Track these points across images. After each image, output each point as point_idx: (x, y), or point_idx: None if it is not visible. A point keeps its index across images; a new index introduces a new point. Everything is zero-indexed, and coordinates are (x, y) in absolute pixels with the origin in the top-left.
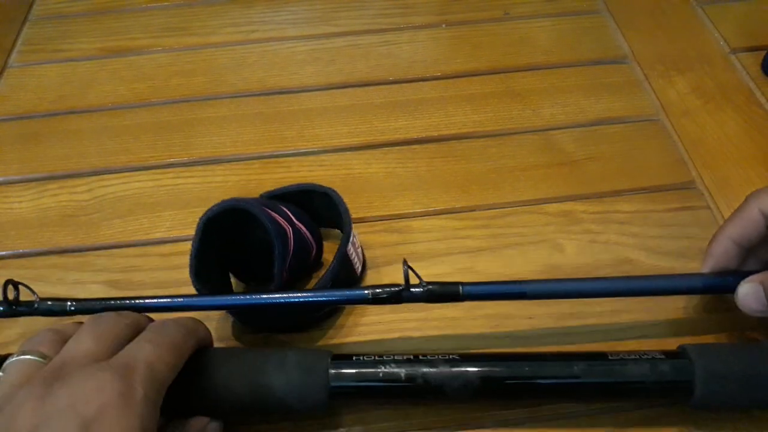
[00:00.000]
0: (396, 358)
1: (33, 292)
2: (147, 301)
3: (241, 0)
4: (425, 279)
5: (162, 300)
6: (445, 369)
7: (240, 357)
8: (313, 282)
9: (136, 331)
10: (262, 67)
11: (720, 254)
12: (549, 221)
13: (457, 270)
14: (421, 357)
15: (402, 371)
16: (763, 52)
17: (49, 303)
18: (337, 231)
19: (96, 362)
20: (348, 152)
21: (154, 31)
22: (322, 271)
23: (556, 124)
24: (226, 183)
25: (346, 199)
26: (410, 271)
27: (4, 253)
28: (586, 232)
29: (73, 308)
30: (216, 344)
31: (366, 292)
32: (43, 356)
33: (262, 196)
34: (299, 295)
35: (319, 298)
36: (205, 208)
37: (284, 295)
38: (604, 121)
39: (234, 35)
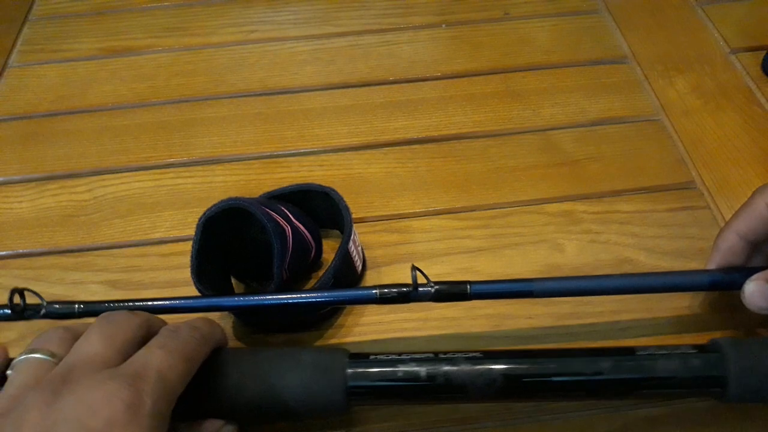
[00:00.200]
0: (415, 356)
1: (39, 297)
2: (153, 302)
3: (241, 0)
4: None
5: (168, 302)
6: (467, 367)
7: (254, 357)
8: (312, 282)
9: (147, 332)
10: (263, 67)
11: (726, 249)
12: (549, 221)
13: (457, 270)
14: (441, 355)
15: (422, 370)
16: (763, 52)
17: (57, 306)
18: (337, 232)
19: (105, 368)
20: (348, 152)
21: (154, 31)
22: (322, 271)
23: (556, 124)
24: (226, 183)
25: (346, 199)
26: (417, 272)
27: (4, 253)
28: (586, 232)
29: (80, 310)
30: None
31: (374, 291)
32: (53, 355)
33: (261, 196)
34: (306, 295)
35: (326, 299)
36: (205, 208)
37: (291, 296)
38: (604, 121)
39: (234, 35)
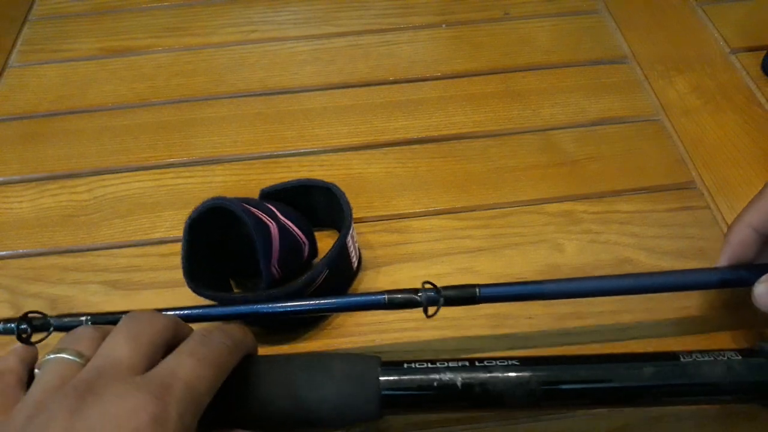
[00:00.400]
0: (450, 365)
1: (44, 315)
2: (165, 314)
3: (242, 0)
4: (426, 279)
5: (180, 312)
6: (504, 375)
7: (283, 366)
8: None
9: (174, 334)
10: (263, 67)
11: (738, 242)
12: (549, 221)
13: (457, 270)
14: (477, 363)
15: (458, 379)
16: (763, 52)
17: (65, 320)
18: (336, 232)
19: (132, 374)
20: (348, 152)
21: (154, 31)
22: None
23: (556, 124)
24: (226, 183)
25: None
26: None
27: (4, 253)
28: (586, 232)
29: (89, 323)
30: None
31: (382, 297)
32: (80, 355)
33: (262, 191)
34: (314, 302)
35: (335, 305)
36: None
37: (300, 303)
38: (604, 121)
39: (234, 35)
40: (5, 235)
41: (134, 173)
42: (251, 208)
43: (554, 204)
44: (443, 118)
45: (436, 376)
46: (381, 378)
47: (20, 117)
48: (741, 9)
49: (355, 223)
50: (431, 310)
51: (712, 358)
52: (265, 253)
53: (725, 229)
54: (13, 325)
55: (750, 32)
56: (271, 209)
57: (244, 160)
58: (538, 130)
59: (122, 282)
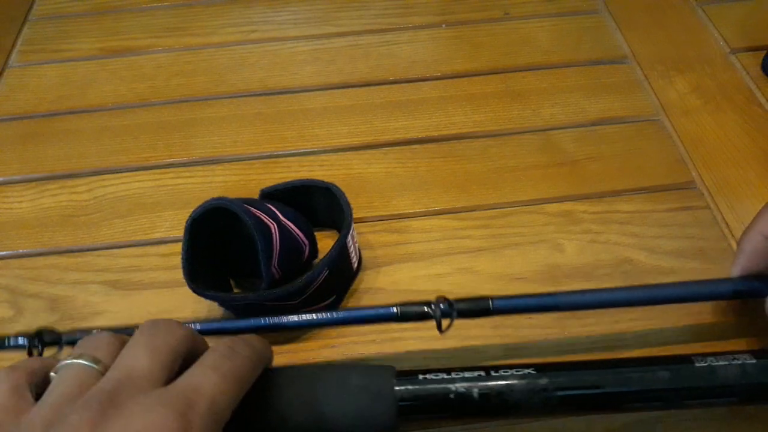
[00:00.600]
0: (466, 375)
1: (56, 331)
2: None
3: (242, 0)
4: (426, 279)
5: (192, 325)
6: (520, 384)
7: (300, 378)
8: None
9: (192, 345)
10: (263, 67)
11: (751, 251)
12: (549, 221)
13: (457, 270)
14: (492, 372)
15: (475, 389)
16: (763, 52)
17: (77, 336)
18: (336, 232)
19: (152, 387)
20: (348, 152)
21: (154, 31)
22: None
23: (556, 124)
24: (226, 183)
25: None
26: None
27: (4, 253)
28: (586, 232)
29: None
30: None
31: (393, 309)
32: (98, 361)
33: (262, 191)
34: (328, 315)
35: (346, 318)
36: None
37: (314, 317)
38: (604, 121)
39: (234, 35)
40: (5, 235)
41: (134, 173)
42: (252, 208)
43: (554, 204)
44: (443, 118)
45: (452, 387)
46: (396, 389)
47: (20, 117)
48: (741, 9)
49: (355, 223)
50: (444, 323)
51: (726, 362)
52: (265, 253)
53: (725, 229)
54: (24, 341)
55: (750, 32)
56: (272, 210)
57: (244, 160)
58: (538, 130)
59: (122, 282)
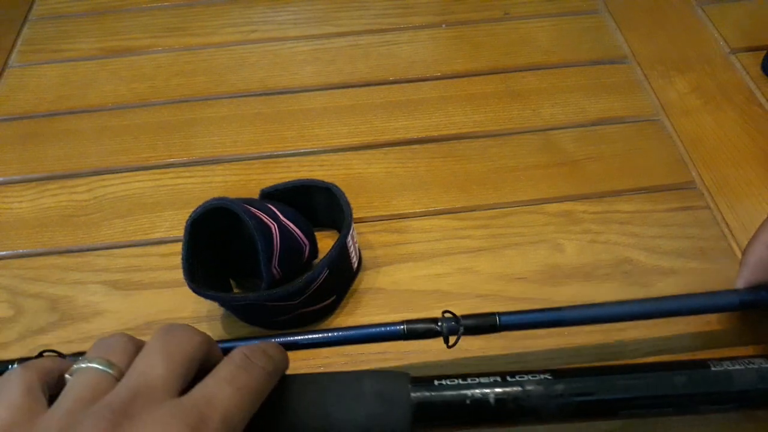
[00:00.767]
0: (481, 380)
1: (61, 355)
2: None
3: (242, 0)
4: (426, 279)
5: None
6: (537, 390)
7: (314, 385)
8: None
9: (207, 352)
10: (263, 67)
11: (755, 263)
12: (549, 221)
13: (457, 270)
14: (509, 378)
15: (491, 395)
16: (763, 52)
17: (80, 359)
18: (336, 232)
19: (167, 396)
20: (348, 152)
21: (154, 31)
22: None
23: (556, 124)
24: (226, 183)
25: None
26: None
27: (4, 253)
28: (586, 232)
29: None
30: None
31: (401, 327)
32: (112, 366)
33: (262, 191)
34: (333, 334)
35: (354, 336)
36: None
37: (322, 335)
38: (604, 121)
39: (234, 35)
40: (5, 235)
41: (134, 173)
42: (252, 208)
43: (554, 204)
44: (443, 118)
45: (468, 393)
46: (412, 395)
47: (20, 117)
48: (741, 9)
49: (355, 223)
50: (451, 339)
51: (742, 366)
52: (266, 253)
53: (725, 229)
54: None
55: (750, 32)
56: (272, 210)
57: (244, 160)
58: (538, 130)
59: (122, 282)
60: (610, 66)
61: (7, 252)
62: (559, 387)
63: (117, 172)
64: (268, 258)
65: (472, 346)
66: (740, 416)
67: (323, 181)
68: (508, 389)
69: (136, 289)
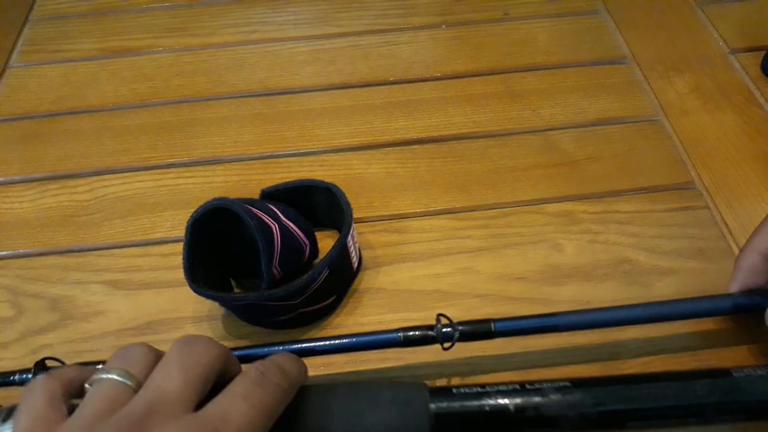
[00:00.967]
0: (500, 389)
1: (61, 362)
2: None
3: (242, 0)
4: (426, 279)
5: None
6: (557, 398)
7: (332, 395)
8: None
9: (224, 365)
10: (263, 67)
11: (748, 268)
12: (549, 221)
13: (457, 270)
14: (528, 386)
15: (510, 403)
16: (763, 53)
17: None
18: (336, 232)
19: (182, 411)
20: (348, 152)
21: (154, 31)
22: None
23: (556, 125)
24: (226, 183)
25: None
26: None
27: (4, 253)
28: (586, 232)
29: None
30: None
31: (398, 335)
32: (131, 377)
33: (262, 191)
34: (331, 342)
35: (351, 344)
36: None
37: (321, 343)
38: (603, 122)
39: (234, 36)
40: (6, 235)
41: (135, 173)
42: (253, 209)
43: (554, 204)
44: (443, 118)
45: (488, 401)
46: (431, 405)
47: (21, 117)
48: (741, 9)
49: (355, 223)
50: (446, 344)
51: (765, 373)
52: (266, 253)
53: (724, 229)
54: (29, 376)
55: (750, 32)
56: (273, 210)
57: (245, 160)
58: (538, 131)
59: (123, 282)
60: (609, 66)
61: (8, 252)
62: (580, 395)
63: (118, 172)
64: (269, 258)
65: (471, 346)
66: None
67: (323, 181)
68: (527, 397)
69: (137, 289)
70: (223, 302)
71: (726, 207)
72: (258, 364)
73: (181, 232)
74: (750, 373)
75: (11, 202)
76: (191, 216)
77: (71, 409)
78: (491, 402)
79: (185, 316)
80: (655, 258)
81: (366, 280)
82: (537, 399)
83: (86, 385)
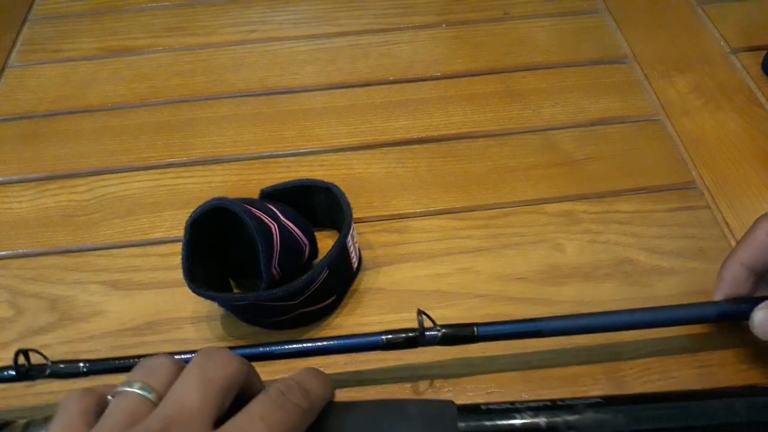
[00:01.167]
0: (531, 405)
1: (44, 357)
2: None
3: (242, 0)
4: (426, 279)
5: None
6: (590, 415)
7: (360, 413)
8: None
9: (245, 380)
10: (262, 67)
11: (731, 279)
12: (549, 221)
13: (457, 270)
14: (559, 402)
15: (542, 421)
16: (763, 52)
17: (62, 366)
18: (336, 232)
19: (201, 427)
20: (348, 152)
21: (154, 31)
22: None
23: (556, 124)
24: (226, 183)
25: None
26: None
27: (4, 253)
28: (586, 232)
29: (85, 369)
30: (219, 341)
31: (381, 338)
32: (152, 390)
33: (262, 191)
34: (314, 344)
35: (334, 346)
36: None
37: (302, 345)
38: (604, 121)
39: (234, 35)
40: (5, 235)
41: (134, 173)
42: (252, 208)
43: (554, 204)
44: (443, 118)
45: (518, 419)
46: (459, 424)
47: (20, 117)
48: (741, 9)
49: (355, 223)
50: (414, 302)
51: None
52: (266, 254)
53: (725, 229)
54: (12, 372)
55: (750, 32)
56: (272, 210)
57: (244, 160)
58: (538, 130)
59: (122, 282)
60: (610, 66)
61: (7, 252)
62: (613, 413)
63: (117, 172)
64: (268, 258)
65: (471, 345)
66: None
67: (323, 181)
68: (558, 415)
69: (136, 289)
70: (222, 302)
71: (727, 207)
72: (280, 382)
73: (180, 232)
74: None
75: (10, 202)
76: (190, 216)
77: None
78: (522, 420)
79: (184, 316)
80: (655, 258)
81: (366, 281)
82: (569, 417)
83: (108, 397)
